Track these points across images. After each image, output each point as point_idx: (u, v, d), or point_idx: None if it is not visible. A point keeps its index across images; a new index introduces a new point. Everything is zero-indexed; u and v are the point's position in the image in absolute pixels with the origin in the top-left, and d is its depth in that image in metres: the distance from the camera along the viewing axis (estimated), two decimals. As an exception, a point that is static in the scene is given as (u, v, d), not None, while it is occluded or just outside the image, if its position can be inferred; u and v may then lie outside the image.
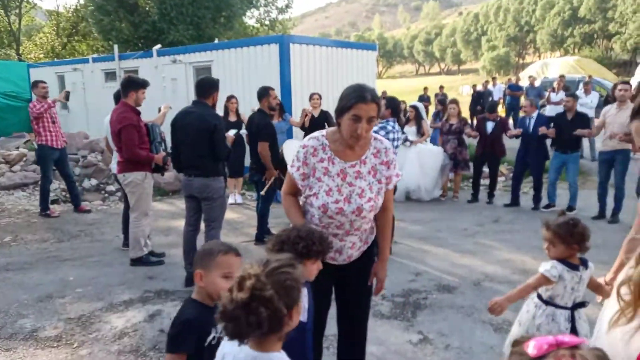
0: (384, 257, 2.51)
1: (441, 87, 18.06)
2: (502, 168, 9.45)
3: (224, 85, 9.76)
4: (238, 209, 7.64)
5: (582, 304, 2.44)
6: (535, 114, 7.21)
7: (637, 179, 6.42)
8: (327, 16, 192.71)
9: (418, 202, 7.86)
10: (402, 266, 4.95)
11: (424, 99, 16.85)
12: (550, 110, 11.37)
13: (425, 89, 18.32)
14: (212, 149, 4.31)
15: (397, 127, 5.65)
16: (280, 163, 5.75)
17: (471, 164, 8.09)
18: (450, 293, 4.32)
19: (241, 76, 9.44)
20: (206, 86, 4.39)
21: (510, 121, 12.40)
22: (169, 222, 6.89)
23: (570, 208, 6.88)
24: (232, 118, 7.55)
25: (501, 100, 17.52)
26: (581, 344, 0.89)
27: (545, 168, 7.49)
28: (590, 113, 9.87)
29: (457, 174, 8.07)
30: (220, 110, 8.03)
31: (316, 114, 7.70)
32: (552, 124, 7.07)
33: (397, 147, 5.51)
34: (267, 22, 21.92)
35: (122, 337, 3.58)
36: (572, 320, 2.42)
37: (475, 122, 9.50)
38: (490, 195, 7.80)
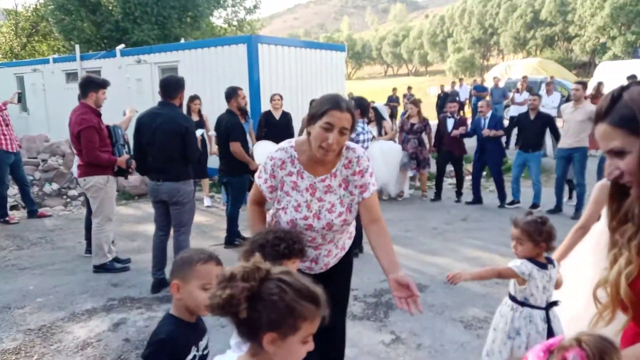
0: (395, 266, 2.09)
1: (409, 88, 18.28)
2: (469, 167, 9.60)
3: (191, 85, 9.58)
4: (206, 211, 7.50)
5: (554, 303, 2.47)
6: (489, 114, 7.38)
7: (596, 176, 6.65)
8: (295, 17, 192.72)
9: (387, 201, 7.89)
10: (374, 266, 4.91)
11: (393, 99, 17.04)
12: (514, 110, 11.66)
13: (394, 89, 18.55)
14: (183, 152, 4.18)
15: (367, 127, 5.66)
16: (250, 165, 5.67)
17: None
18: (422, 292, 4.33)
19: (208, 77, 9.30)
20: (173, 86, 4.25)
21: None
22: (134, 227, 6.69)
23: (535, 205, 7.05)
24: (195, 118, 7.44)
25: (467, 101, 17.88)
26: (564, 338, 0.89)
27: (507, 165, 7.66)
28: (553, 113, 10.17)
29: (422, 173, 8.13)
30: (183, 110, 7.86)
31: (277, 115, 7.59)
32: (505, 125, 7.32)
33: (367, 148, 5.51)
34: (234, 23, 21.67)
35: (85, 348, 3.44)
36: (548, 320, 2.44)
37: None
38: (458, 193, 7.91)
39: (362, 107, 5.58)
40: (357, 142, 5.32)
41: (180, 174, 4.25)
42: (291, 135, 7.58)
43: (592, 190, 2.82)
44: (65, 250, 5.75)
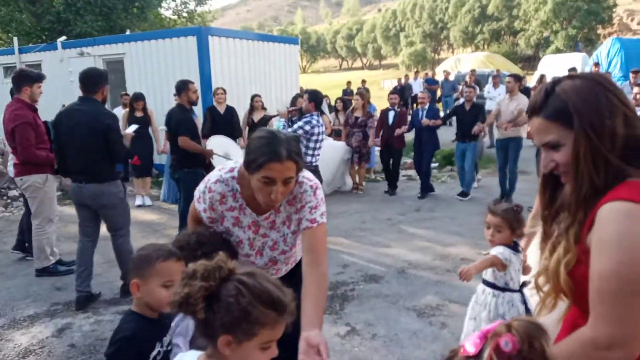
0: (314, 322, 1.70)
1: (363, 82, 18.43)
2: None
3: (139, 79, 9.31)
4: (157, 209, 7.29)
5: (524, 284, 2.58)
6: (427, 106, 7.53)
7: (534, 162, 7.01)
8: (248, 9, 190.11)
9: (342, 194, 7.92)
10: (330, 259, 4.89)
11: (347, 92, 17.13)
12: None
13: (349, 83, 18.67)
14: (106, 151, 3.88)
15: (321, 121, 5.64)
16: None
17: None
18: (377, 283, 4.38)
19: (157, 70, 9.02)
20: (94, 79, 3.94)
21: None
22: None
23: (464, 194, 7.28)
24: (139, 114, 7.27)
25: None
26: (499, 324, 0.90)
27: (451, 157, 7.82)
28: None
29: (362, 166, 8.10)
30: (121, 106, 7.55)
31: (221, 110, 7.35)
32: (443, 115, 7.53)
33: (322, 140, 5.50)
34: (184, 14, 21.11)
35: (27, 356, 3.27)
36: (524, 301, 2.54)
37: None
38: (392, 186, 7.89)
39: (316, 100, 5.55)
40: (312, 134, 5.32)
41: (104, 175, 3.93)
42: (236, 130, 7.30)
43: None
44: (5, 254, 5.43)
